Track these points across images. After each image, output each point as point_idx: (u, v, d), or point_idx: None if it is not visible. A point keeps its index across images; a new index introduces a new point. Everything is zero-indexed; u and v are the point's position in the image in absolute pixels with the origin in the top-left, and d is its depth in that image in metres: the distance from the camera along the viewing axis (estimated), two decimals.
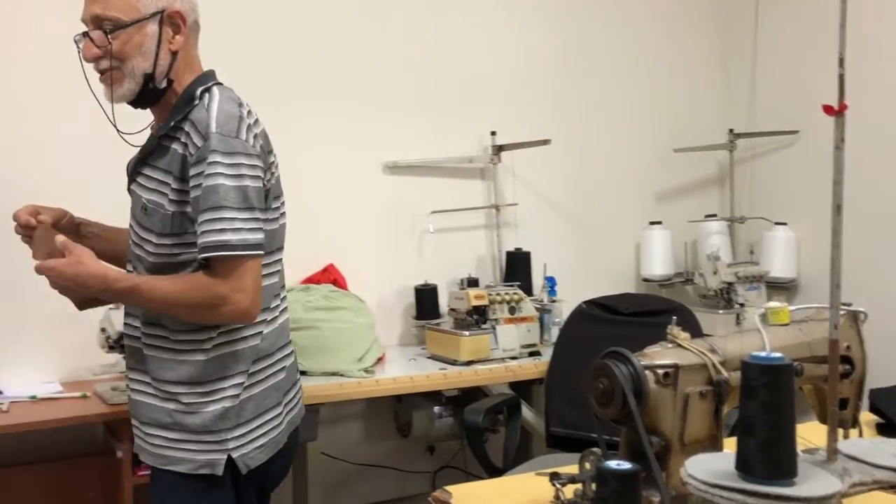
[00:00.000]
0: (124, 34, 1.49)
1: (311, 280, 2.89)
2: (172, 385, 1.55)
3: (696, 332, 1.89)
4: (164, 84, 1.55)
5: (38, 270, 1.46)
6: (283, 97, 2.89)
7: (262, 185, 1.53)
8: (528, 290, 3.02)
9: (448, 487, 1.39)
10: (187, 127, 1.50)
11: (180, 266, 1.53)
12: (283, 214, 1.66)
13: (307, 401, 2.34)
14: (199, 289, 1.46)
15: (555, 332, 2.88)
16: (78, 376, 2.52)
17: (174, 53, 1.55)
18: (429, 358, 2.80)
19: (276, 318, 1.67)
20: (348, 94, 3.02)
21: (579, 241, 3.46)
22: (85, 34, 1.52)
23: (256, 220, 1.50)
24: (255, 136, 1.54)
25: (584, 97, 3.47)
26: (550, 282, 3.13)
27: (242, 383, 1.57)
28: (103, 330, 2.25)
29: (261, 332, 1.60)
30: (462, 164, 3.22)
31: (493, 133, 3.20)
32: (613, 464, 0.99)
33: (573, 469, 1.24)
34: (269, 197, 1.58)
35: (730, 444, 1.09)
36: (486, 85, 3.26)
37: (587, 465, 1.21)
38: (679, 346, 1.19)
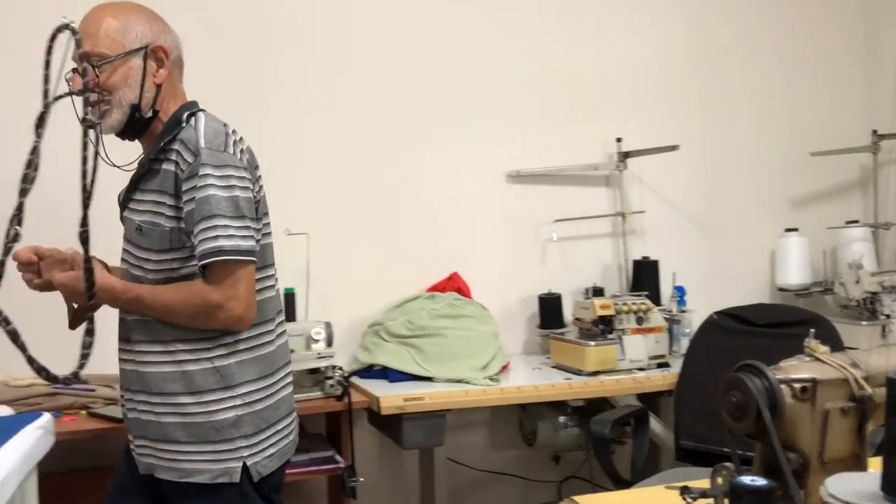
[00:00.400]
0: (110, 67, 1.61)
1: (436, 288, 2.94)
2: (180, 396, 1.61)
3: (836, 345, 1.80)
4: (149, 114, 1.65)
5: (55, 283, 1.57)
6: (409, 111, 2.97)
7: (251, 195, 1.61)
8: (655, 299, 2.96)
9: (576, 497, 1.39)
10: (177, 146, 1.60)
11: (181, 280, 1.62)
12: (269, 233, 1.72)
13: (434, 406, 2.40)
14: (196, 296, 1.55)
15: (684, 344, 2.81)
16: None
17: (158, 86, 1.66)
18: (553, 367, 2.79)
19: (280, 333, 1.74)
20: (471, 105, 3.06)
21: (710, 250, 3.36)
22: (74, 70, 1.63)
23: (248, 228, 1.57)
24: (242, 151, 1.63)
25: (712, 99, 3.37)
26: (679, 291, 3.05)
27: (252, 391, 1.63)
28: None
29: (270, 342, 1.68)
30: (587, 171, 3.20)
31: (619, 140, 3.16)
32: (747, 479, 0.97)
33: (704, 483, 1.22)
34: (258, 210, 1.65)
35: (874, 464, 1.04)
36: (610, 91, 3.23)
37: (719, 480, 1.18)
38: (818, 359, 1.14)
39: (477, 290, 2.96)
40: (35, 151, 1.49)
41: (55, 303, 2.26)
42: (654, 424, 2.67)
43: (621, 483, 2.28)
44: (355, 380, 2.60)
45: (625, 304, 2.75)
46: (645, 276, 3.11)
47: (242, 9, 2.80)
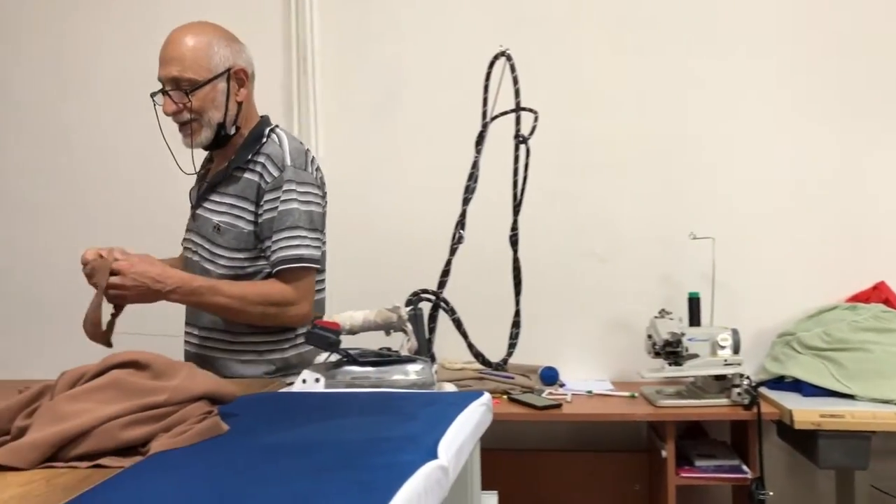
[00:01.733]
0: (201, 92, 1.72)
1: (857, 298, 2.69)
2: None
3: None
4: (233, 131, 1.79)
5: (118, 270, 1.56)
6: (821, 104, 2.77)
7: (323, 210, 1.80)
8: None
9: None
10: (262, 160, 1.75)
11: (246, 277, 1.75)
12: (325, 242, 1.83)
13: (857, 426, 2.21)
14: (276, 292, 1.69)
15: None
16: (627, 377, 2.76)
17: (239, 104, 1.79)
18: None
19: None
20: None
21: None
22: (163, 91, 1.74)
23: (318, 239, 1.76)
24: (317, 169, 1.82)
25: None
26: None
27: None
28: (650, 336, 2.43)
29: None
30: None
31: None
32: None
33: None
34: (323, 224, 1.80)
35: None
36: None
37: None
38: None
39: None
40: (475, 165, 1.71)
41: (484, 296, 2.53)
42: None
43: None
44: (764, 390, 2.50)
45: None
46: None
47: None
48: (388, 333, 1.58)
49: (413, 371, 1.48)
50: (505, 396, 2.48)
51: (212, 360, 1.78)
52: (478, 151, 1.70)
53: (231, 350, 1.78)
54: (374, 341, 1.65)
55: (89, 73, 3.05)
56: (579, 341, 2.82)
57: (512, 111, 1.72)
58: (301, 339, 1.78)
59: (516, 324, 1.75)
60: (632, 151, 2.82)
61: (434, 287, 1.66)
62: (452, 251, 1.68)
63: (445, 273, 1.66)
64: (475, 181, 1.69)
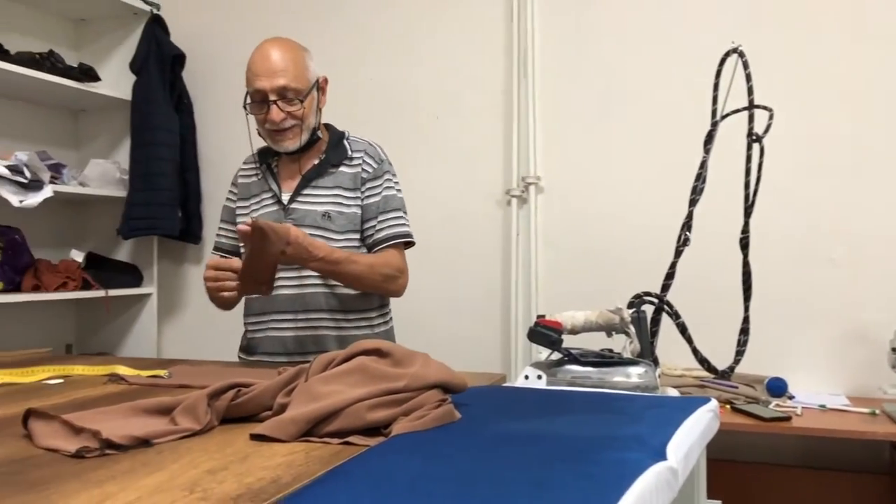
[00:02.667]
0: (307, 100, 1.90)
1: None
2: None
3: None
4: (318, 135, 1.98)
5: (292, 236, 1.70)
6: None
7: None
8: None
9: None
10: (358, 155, 1.99)
11: None
12: None
13: None
14: (393, 262, 1.93)
15: None
16: (865, 392, 2.56)
17: (320, 110, 1.98)
18: None
19: None
20: None
21: None
22: (265, 101, 1.86)
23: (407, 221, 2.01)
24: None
25: None
26: None
27: None
28: (894, 350, 2.24)
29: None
30: None
31: None
32: None
33: None
34: None
35: None
36: None
37: None
38: None
39: None
40: (703, 165, 1.67)
41: (707, 300, 2.44)
42: None
43: None
44: None
45: None
46: None
47: None
48: (609, 335, 1.59)
49: (635, 374, 1.47)
50: (728, 406, 2.39)
51: (321, 339, 1.93)
52: (706, 151, 1.66)
53: (341, 327, 1.95)
54: (594, 342, 1.66)
55: None
56: (811, 352, 2.65)
57: (745, 109, 1.66)
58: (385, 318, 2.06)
59: (745, 331, 1.68)
60: (874, 150, 2.60)
61: (654, 289, 1.64)
62: (678, 253, 1.65)
63: (670, 276, 1.64)
64: (703, 182, 1.65)
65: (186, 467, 0.88)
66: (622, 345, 1.55)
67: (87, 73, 3.15)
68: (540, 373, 1.50)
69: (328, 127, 2.06)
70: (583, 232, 2.92)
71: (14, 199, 2.71)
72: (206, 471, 0.87)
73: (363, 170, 1.97)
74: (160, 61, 3.30)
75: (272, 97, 1.86)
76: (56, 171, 3.03)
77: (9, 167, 2.71)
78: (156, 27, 3.34)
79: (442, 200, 3.09)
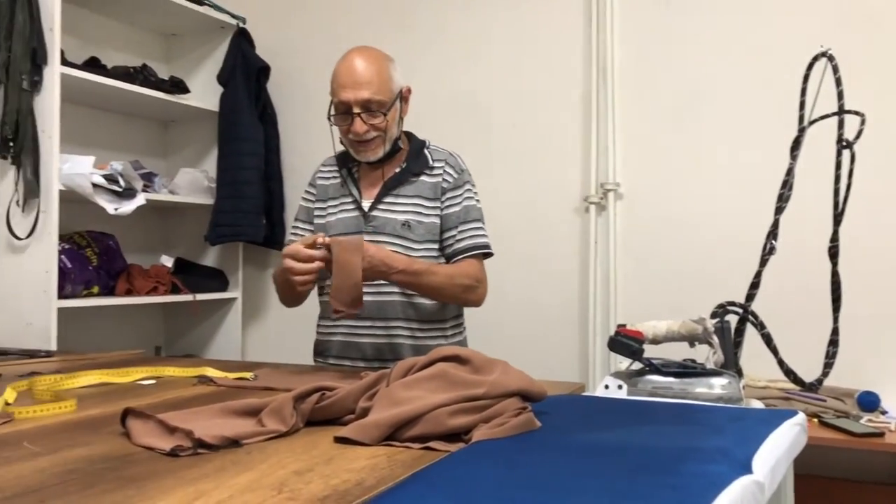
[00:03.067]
0: (390, 112, 1.89)
1: None
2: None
3: None
4: (399, 144, 1.97)
5: (363, 249, 1.67)
6: None
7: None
8: None
9: None
10: (439, 165, 1.98)
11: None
12: None
13: None
14: (472, 272, 1.90)
15: None
16: None
17: (402, 119, 1.97)
18: None
19: None
20: None
21: None
22: (352, 113, 1.85)
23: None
24: None
25: None
26: None
27: None
28: None
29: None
30: None
31: None
32: None
33: None
34: None
35: None
36: None
37: None
38: None
39: None
40: (790, 172, 1.63)
41: (792, 310, 2.38)
42: None
43: None
44: None
45: None
46: None
47: None
48: (692, 345, 1.56)
49: (719, 385, 1.44)
50: (815, 419, 2.31)
51: (398, 347, 1.93)
52: (793, 157, 1.62)
53: (416, 336, 1.95)
54: (676, 353, 1.64)
55: None
56: None
57: (834, 114, 1.61)
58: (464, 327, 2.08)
59: (833, 342, 1.63)
60: None
61: (737, 299, 1.61)
62: (763, 262, 1.61)
63: (755, 285, 1.60)
64: (790, 189, 1.61)
65: (274, 467, 0.91)
66: (705, 355, 1.52)
67: (177, 86, 3.28)
68: (620, 382, 1.49)
69: (409, 135, 2.06)
70: (663, 239, 2.87)
71: (109, 206, 2.83)
72: (293, 471, 0.89)
73: (444, 179, 1.98)
74: (246, 73, 3.41)
75: (356, 109, 1.86)
76: (148, 179, 3.16)
77: (105, 176, 2.83)
78: (242, 40, 3.45)
79: (519, 208, 3.08)
